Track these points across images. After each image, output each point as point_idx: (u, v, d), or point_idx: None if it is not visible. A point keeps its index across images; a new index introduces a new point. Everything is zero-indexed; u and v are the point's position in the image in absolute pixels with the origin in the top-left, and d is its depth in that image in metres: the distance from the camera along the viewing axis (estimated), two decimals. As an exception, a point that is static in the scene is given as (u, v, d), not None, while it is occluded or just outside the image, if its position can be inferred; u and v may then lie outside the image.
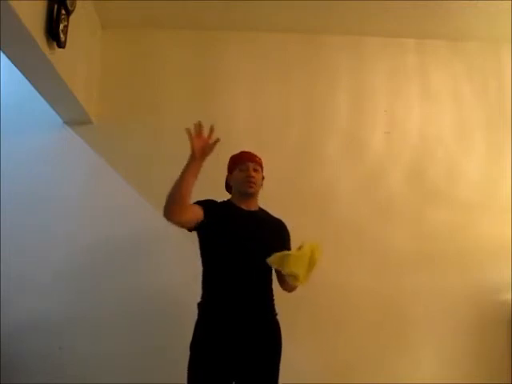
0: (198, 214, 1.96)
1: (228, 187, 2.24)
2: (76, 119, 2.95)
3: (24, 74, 2.31)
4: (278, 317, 2.10)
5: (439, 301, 2.97)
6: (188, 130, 1.84)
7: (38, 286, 2.83)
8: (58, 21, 2.14)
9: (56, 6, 2.13)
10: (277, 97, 3.15)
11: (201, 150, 1.85)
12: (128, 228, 2.93)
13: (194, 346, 1.96)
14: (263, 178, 2.19)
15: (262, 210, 2.20)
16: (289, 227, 2.25)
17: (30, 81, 2.39)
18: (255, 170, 2.12)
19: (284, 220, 2.25)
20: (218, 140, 1.85)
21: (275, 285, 2.13)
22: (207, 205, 2.01)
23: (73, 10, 2.32)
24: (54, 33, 2.12)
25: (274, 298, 2.12)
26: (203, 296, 2.05)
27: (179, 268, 2.84)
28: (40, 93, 2.55)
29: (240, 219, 2.07)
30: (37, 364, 2.77)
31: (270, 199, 2.98)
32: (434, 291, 2.97)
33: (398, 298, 2.96)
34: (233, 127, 3.08)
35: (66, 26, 2.25)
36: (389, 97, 3.21)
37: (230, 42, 3.19)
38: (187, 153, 3.00)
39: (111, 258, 2.89)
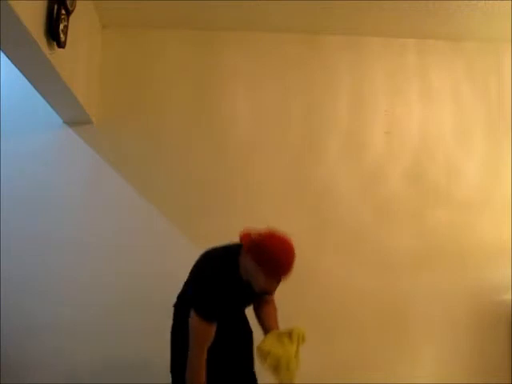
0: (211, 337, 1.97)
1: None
2: (76, 119, 2.95)
3: (24, 74, 2.30)
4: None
5: (439, 301, 2.97)
6: None
7: (38, 287, 2.84)
8: (57, 21, 2.14)
9: (56, 6, 2.12)
10: (277, 97, 3.15)
11: None
12: (128, 228, 2.94)
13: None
14: None
15: None
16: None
17: (30, 81, 2.38)
18: (278, 282, 1.93)
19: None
20: None
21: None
22: (214, 318, 1.95)
23: (73, 10, 2.31)
24: (53, 33, 2.12)
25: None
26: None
27: (180, 268, 2.83)
28: (40, 93, 2.54)
29: (243, 291, 1.99)
30: (37, 364, 2.77)
31: (270, 199, 3.00)
32: (434, 291, 2.98)
33: (398, 297, 2.96)
34: (233, 127, 3.08)
35: (66, 26, 2.24)
36: (389, 97, 3.21)
37: (230, 42, 3.19)
38: (187, 153, 3.04)
39: (111, 258, 2.90)
